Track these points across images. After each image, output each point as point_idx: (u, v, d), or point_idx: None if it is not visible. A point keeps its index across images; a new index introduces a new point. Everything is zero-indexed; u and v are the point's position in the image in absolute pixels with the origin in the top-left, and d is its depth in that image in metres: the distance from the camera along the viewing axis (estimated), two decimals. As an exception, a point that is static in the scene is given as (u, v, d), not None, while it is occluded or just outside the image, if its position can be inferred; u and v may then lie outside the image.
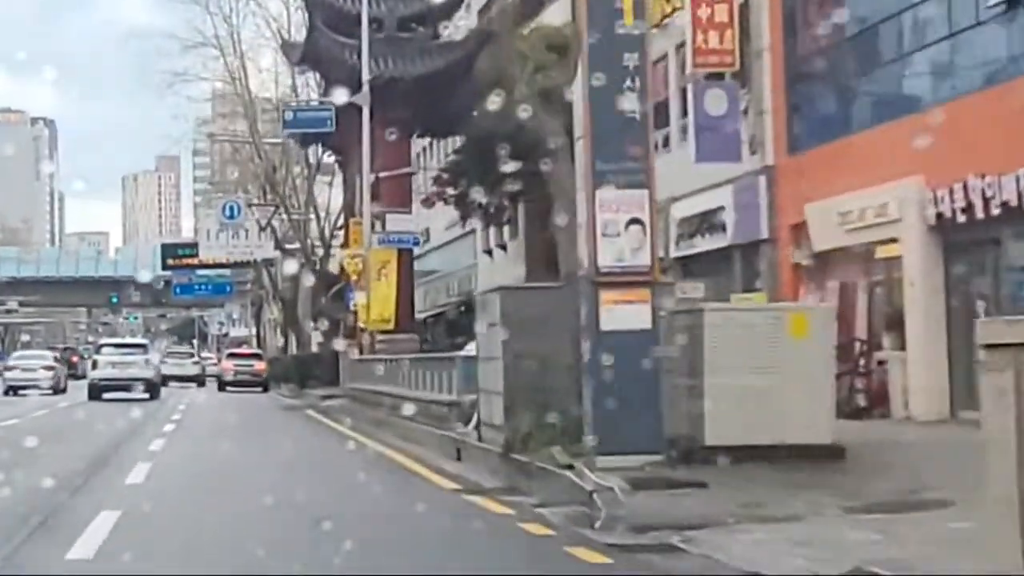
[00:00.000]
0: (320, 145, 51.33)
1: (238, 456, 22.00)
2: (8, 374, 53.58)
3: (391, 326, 38.11)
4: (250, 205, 58.12)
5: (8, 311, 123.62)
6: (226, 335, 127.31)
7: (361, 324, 38.42)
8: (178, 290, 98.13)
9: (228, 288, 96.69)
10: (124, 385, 42.90)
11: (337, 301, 46.85)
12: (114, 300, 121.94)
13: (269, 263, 74.41)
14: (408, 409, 26.06)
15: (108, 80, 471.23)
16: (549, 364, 18.17)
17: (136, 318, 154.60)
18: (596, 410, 15.40)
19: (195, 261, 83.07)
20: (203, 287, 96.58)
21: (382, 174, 38.21)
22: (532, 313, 18.50)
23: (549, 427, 17.29)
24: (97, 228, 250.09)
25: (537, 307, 18.58)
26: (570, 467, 15.16)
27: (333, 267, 55.30)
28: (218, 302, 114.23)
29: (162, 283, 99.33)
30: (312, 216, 59.79)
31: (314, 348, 60.94)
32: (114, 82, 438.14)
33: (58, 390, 51.92)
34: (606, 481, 13.90)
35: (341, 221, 56.03)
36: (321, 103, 40.42)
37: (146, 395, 42.80)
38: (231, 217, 57.77)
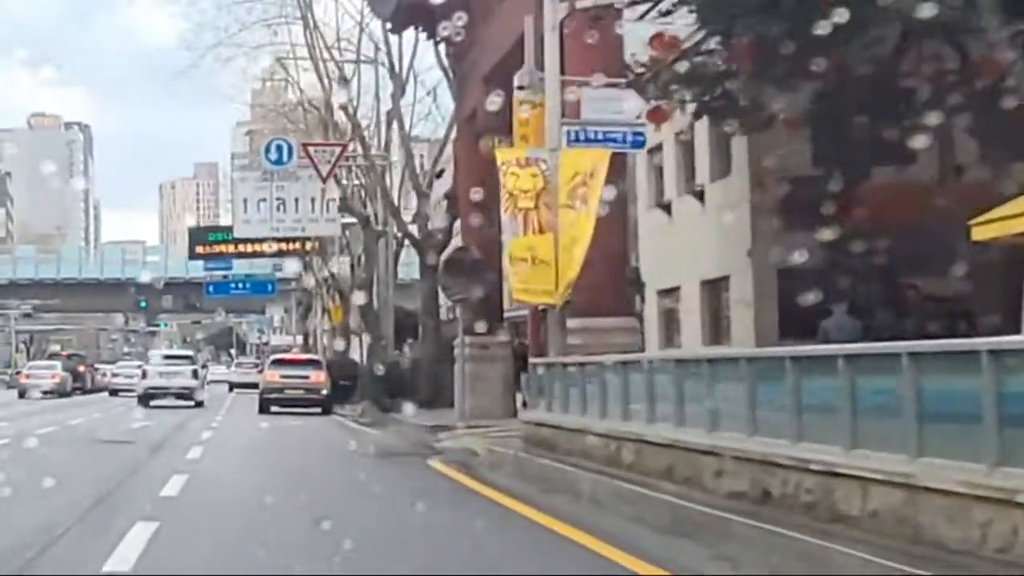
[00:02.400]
0: (421, 31, 31.59)
1: None
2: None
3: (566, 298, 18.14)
4: (306, 145, 38.37)
5: (24, 315, 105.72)
6: (267, 344, 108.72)
7: (522, 295, 18.67)
8: (211, 289, 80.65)
9: (270, 287, 79.16)
10: (171, 394, 43.07)
11: (454, 274, 27.08)
12: (143, 305, 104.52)
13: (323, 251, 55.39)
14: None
15: (146, 89, 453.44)
16: None
17: (166, 324, 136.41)
18: None
19: (230, 248, 64.33)
20: (240, 285, 79.47)
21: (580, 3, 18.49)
22: None
23: None
24: (134, 237, 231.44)
25: None
26: None
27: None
28: (258, 304, 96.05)
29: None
30: (394, 157, 39.87)
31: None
32: (152, 91, 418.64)
33: None
34: None
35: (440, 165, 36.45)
36: None
37: (191, 403, 42.56)
38: (278, 161, 38.36)
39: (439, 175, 38.13)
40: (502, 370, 28.00)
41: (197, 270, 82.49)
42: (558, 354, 18.04)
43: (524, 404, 31.60)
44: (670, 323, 34.91)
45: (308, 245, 57.27)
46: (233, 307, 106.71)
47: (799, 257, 28.57)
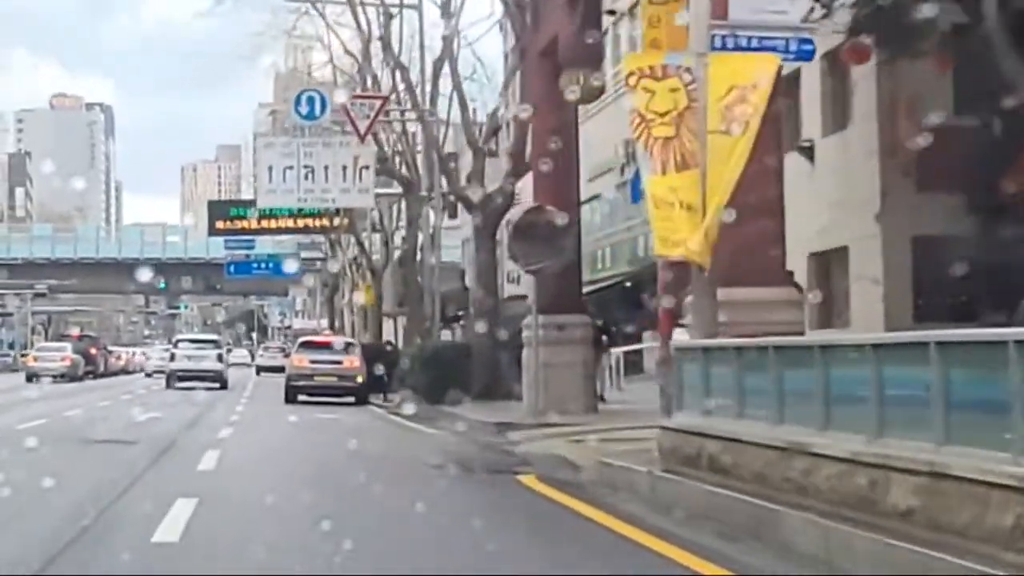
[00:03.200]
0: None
1: None
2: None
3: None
4: (354, 97, 33.07)
5: (37, 295, 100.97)
6: (288, 327, 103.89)
7: (660, 246, 13.55)
8: (232, 269, 75.78)
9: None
10: (198, 376, 44.26)
11: (526, 240, 21.95)
12: (162, 286, 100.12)
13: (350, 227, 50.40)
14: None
15: (169, 71, 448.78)
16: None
17: (187, 307, 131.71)
18: None
19: (252, 224, 59.40)
20: (263, 265, 74.70)
21: None
22: None
23: None
24: (156, 220, 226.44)
25: None
26: None
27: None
28: (280, 286, 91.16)
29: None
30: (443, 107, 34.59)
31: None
32: (175, 73, 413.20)
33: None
34: None
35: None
36: None
37: (216, 385, 43.74)
38: (310, 115, 33.26)
39: (495, 132, 33.04)
40: (580, 356, 22.95)
41: (218, 250, 77.74)
42: (706, 333, 12.93)
43: (602, 398, 26.62)
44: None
45: (336, 221, 52.30)
46: (254, 289, 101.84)
47: (941, 224, 23.57)
